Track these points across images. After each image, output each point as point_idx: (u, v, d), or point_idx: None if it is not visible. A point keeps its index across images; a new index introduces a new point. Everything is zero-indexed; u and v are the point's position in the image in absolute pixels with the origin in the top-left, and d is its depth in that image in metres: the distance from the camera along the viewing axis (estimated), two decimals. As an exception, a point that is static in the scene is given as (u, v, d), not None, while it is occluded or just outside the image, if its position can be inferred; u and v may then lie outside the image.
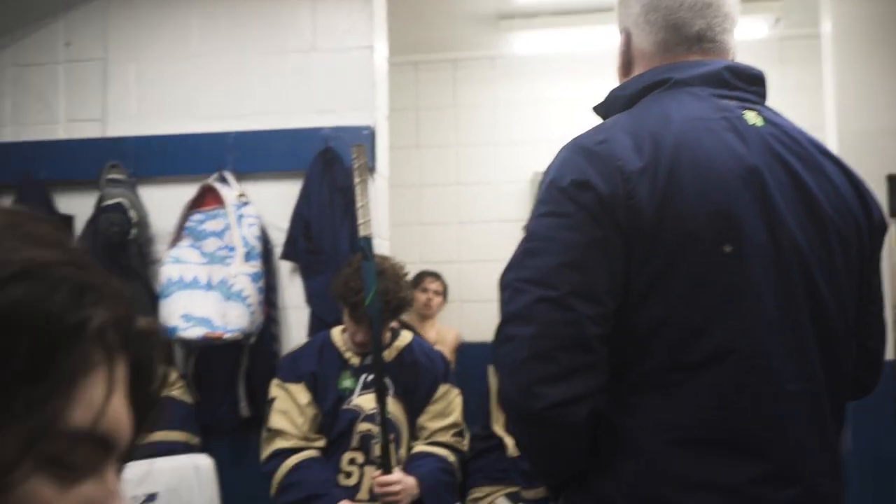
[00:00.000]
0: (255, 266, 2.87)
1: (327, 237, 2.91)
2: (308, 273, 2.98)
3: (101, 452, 0.51)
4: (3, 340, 0.44)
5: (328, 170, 2.93)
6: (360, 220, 2.24)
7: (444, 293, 4.30)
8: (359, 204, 2.26)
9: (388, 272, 2.45)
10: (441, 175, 4.65)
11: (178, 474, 2.55)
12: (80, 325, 0.48)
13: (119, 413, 0.52)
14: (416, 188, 4.59)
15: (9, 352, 0.44)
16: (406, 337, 2.66)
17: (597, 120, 1.23)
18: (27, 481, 0.45)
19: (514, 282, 1.11)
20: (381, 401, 2.29)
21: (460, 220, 4.62)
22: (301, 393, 2.52)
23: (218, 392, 2.96)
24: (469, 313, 4.52)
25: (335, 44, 3.04)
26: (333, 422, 2.51)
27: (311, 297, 2.98)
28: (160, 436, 2.57)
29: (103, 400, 0.50)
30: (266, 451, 2.49)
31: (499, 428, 2.47)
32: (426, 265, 4.26)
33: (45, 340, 0.46)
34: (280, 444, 2.48)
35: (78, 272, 0.50)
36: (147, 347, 0.55)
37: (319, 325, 2.88)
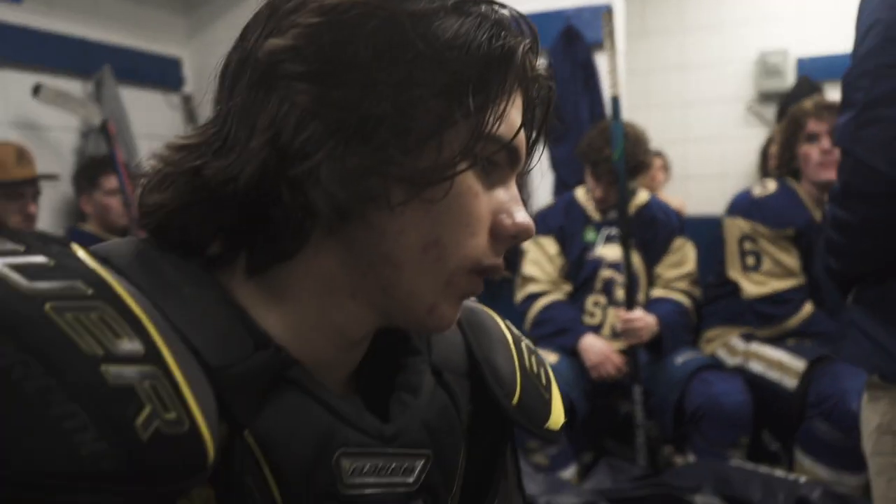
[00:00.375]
0: (507, 135, 2.98)
1: (569, 108, 2.94)
2: (551, 141, 3.03)
3: (511, 165, 0.57)
4: (450, 57, 0.50)
5: (570, 46, 2.93)
6: (611, 83, 2.26)
7: (666, 169, 4.22)
8: (608, 68, 2.28)
9: (630, 136, 2.48)
10: (666, 59, 4.47)
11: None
12: (507, 55, 0.53)
13: (522, 136, 0.57)
14: (643, 73, 4.45)
15: (459, 70, 0.50)
16: (643, 195, 2.67)
17: None
18: (466, 174, 0.52)
19: (875, 69, 1.06)
20: (625, 247, 2.34)
21: (684, 102, 4.45)
22: (550, 245, 2.64)
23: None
24: (691, 189, 4.40)
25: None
26: (579, 269, 2.61)
27: (555, 163, 3.04)
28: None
29: (520, 121, 0.55)
30: (520, 294, 2.65)
31: (734, 272, 2.41)
32: (652, 144, 4.17)
33: (481, 62, 0.51)
34: (533, 287, 2.62)
35: (494, 11, 0.54)
36: (539, 88, 0.58)
37: (562, 187, 2.97)
